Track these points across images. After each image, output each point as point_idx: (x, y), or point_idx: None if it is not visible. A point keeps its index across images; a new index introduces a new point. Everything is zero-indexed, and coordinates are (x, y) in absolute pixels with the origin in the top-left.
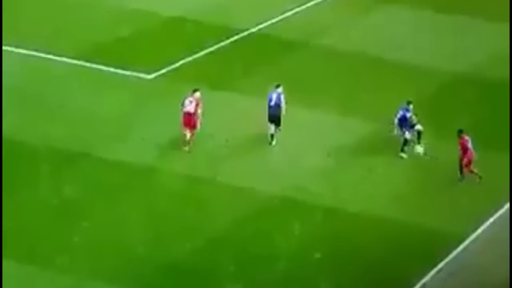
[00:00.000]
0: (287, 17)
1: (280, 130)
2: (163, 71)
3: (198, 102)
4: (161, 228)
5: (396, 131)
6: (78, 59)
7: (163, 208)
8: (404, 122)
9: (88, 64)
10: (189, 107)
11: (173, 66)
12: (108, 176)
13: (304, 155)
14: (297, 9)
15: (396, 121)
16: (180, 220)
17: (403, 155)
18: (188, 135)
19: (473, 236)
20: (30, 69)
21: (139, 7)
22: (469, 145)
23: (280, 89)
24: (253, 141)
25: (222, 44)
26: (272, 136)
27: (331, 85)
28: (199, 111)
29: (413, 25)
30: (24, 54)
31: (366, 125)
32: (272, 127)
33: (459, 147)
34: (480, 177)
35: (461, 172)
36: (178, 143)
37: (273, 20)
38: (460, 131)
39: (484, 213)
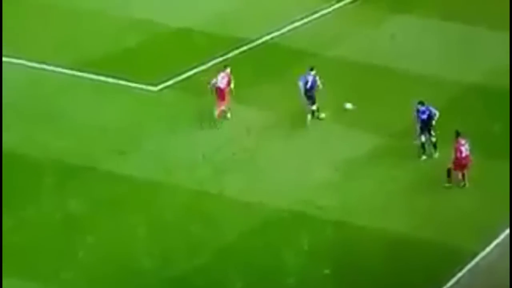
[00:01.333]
0: (296, 27)
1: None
2: (170, 82)
3: (230, 77)
4: (167, 242)
5: (419, 138)
6: (83, 70)
7: (169, 223)
8: (427, 121)
9: (93, 76)
10: (221, 83)
11: (180, 78)
12: (113, 190)
13: (312, 168)
14: (306, 19)
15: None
16: (187, 234)
17: (424, 157)
18: (222, 108)
19: (485, 251)
20: (33, 80)
21: (145, 17)
22: (463, 148)
23: (314, 72)
24: (261, 154)
25: (230, 55)
26: (313, 112)
27: (339, 96)
28: (231, 85)
29: (421, 35)
30: (28, 66)
31: (375, 137)
32: (311, 107)
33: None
34: (464, 185)
35: (463, 177)
36: (184, 157)
37: (282, 30)
38: (458, 134)
39: (496, 227)
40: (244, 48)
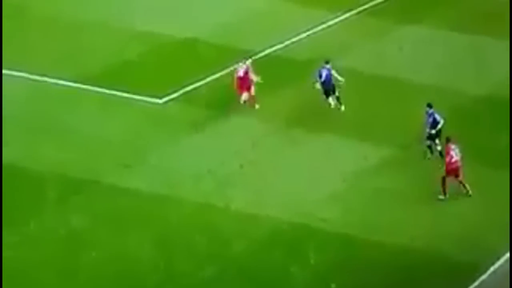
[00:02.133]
0: (301, 39)
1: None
2: (175, 95)
3: (247, 68)
4: (172, 257)
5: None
6: (86, 82)
7: (175, 236)
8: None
9: (96, 88)
10: (240, 72)
11: (185, 90)
12: (117, 204)
13: (318, 180)
14: (312, 31)
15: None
16: (192, 248)
17: (429, 156)
18: (247, 96)
19: (493, 266)
20: (36, 93)
21: (149, 28)
22: (453, 153)
23: (329, 65)
24: (267, 167)
25: (236, 66)
26: (335, 100)
27: (346, 107)
28: (252, 77)
29: (429, 46)
30: (30, 78)
31: (381, 149)
32: (330, 98)
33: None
34: (468, 191)
35: (462, 184)
36: (189, 170)
37: (287, 42)
38: (448, 139)
39: (503, 240)
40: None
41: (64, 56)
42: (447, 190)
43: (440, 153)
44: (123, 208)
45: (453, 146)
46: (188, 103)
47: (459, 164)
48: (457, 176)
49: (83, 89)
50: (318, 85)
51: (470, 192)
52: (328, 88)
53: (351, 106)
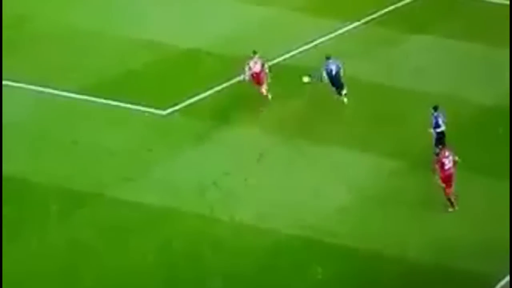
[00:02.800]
0: (310, 48)
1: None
2: (179, 106)
3: (263, 62)
4: (177, 271)
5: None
6: (89, 93)
7: (179, 250)
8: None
9: (99, 99)
10: (255, 68)
11: (190, 101)
12: (121, 217)
13: (325, 193)
14: (320, 40)
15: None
16: (197, 261)
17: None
18: (263, 90)
19: (506, 279)
20: (38, 104)
21: (153, 38)
22: (446, 160)
23: (332, 60)
24: (273, 179)
25: (242, 77)
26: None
27: (355, 118)
28: (266, 70)
29: (439, 56)
30: (32, 90)
31: (391, 161)
32: (341, 92)
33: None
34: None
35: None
36: (193, 182)
37: (295, 51)
38: (442, 146)
39: None
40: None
41: (66, 66)
42: (454, 201)
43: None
44: (126, 221)
45: (447, 153)
46: (192, 114)
47: (451, 172)
48: (449, 183)
49: (86, 100)
50: (325, 79)
51: (455, 208)
52: (338, 81)
53: (358, 116)
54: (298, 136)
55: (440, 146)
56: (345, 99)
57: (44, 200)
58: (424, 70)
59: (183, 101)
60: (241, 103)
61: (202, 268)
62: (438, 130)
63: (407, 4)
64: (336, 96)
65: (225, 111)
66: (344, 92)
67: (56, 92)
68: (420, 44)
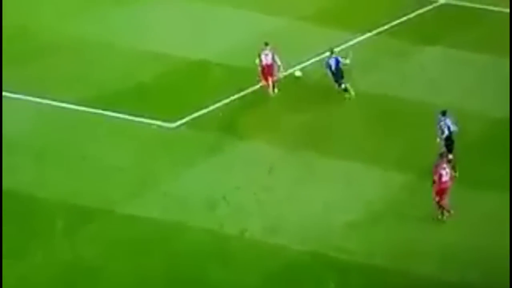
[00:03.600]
0: (319, 61)
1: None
2: (187, 119)
3: (274, 52)
4: (186, 285)
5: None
6: (97, 106)
7: (188, 267)
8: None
9: (107, 112)
10: (266, 60)
11: (198, 114)
12: (129, 233)
13: (336, 208)
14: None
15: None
16: (206, 277)
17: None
18: (270, 83)
19: None
20: (45, 118)
21: (161, 50)
22: (444, 172)
23: (334, 55)
24: (284, 194)
25: (251, 89)
26: (345, 89)
27: (365, 130)
28: (278, 61)
29: (451, 67)
30: (39, 103)
31: (401, 175)
32: (342, 86)
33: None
34: (448, 212)
35: (442, 208)
36: (203, 197)
37: (304, 64)
38: (441, 154)
39: None
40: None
41: (73, 79)
42: (447, 208)
43: (453, 167)
44: (134, 236)
45: (444, 165)
46: (201, 127)
47: (448, 185)
48: (443, 195)
49: (94, 113)
50: (329, 74)
51: (445, 218)
52: (339, 75)
53: (368, 129)
54: (308, 149)
55: (445, 153)
56: (351, 93)
57: (50, 216)
58: (436, 82)
59: (192, 113)
60: (250, 115)
61: (211, 284)
62: (444, 136)
63: (419, 15)
64: (337, 89)
65: (234, 124)
66: (346, 85)
67: (62, 105)
68: (432, 55)
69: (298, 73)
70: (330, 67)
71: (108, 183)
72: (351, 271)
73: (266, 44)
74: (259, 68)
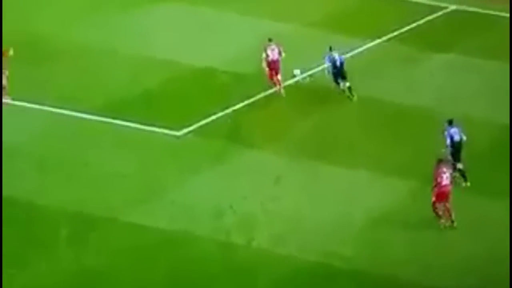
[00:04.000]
0: (325, 68)
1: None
2: (194, 127)
3: (280, 47)
4: None
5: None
6: (102, 114)
7: (194, 276)
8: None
9: (112, 120)
10: (273, 56)
11: (205, 122)
12: (134, 242)
13: (344, 217)
14: None
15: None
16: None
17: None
18: (279, 79)
19: None
20: (49, 126)
21: (167, 57)
22: (444, 176)
23: (336, 52)
24: (290, 203)
25: (258, 97)
26: (348, 88)
27: (373, 138)
28: (283, 55)
29: (461, 74)
30: (43, 110)
31: (408, 183)
32: (341, 85)
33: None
34: (449, 219)
35: (449, 212)
36: (209, 206)
37: (314, 70)
38: (440, 160)
39: None
40: (272, 90)
41: (78, 86)
42: (442, 214)
43: (463, 174)
44: (139, 245)
45: (445, 169)
46: (207, 135)
47: (449, 188)
48: (446, 201)
49: (98, 120)
50: (330, 73)
51: (455, 223)
52: (341, 71)
53: (376, 136)
54: (316, 158)
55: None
56: (354, 96)
57: (53, 224)
58: (445, 89)
59: (198, 121)
60: (257, 123)
61: None
62: (448, 145)
63: (429, 21)
64: (338, 91)
65: (241, 132)
66: (347, 84)
67: (66, 112)
68: (441, 62)
69: (296, 71)
70: (334, 62)
71: (112, 191)
72: (358, 281)
73: (270, 40)
74: (265, 64)
